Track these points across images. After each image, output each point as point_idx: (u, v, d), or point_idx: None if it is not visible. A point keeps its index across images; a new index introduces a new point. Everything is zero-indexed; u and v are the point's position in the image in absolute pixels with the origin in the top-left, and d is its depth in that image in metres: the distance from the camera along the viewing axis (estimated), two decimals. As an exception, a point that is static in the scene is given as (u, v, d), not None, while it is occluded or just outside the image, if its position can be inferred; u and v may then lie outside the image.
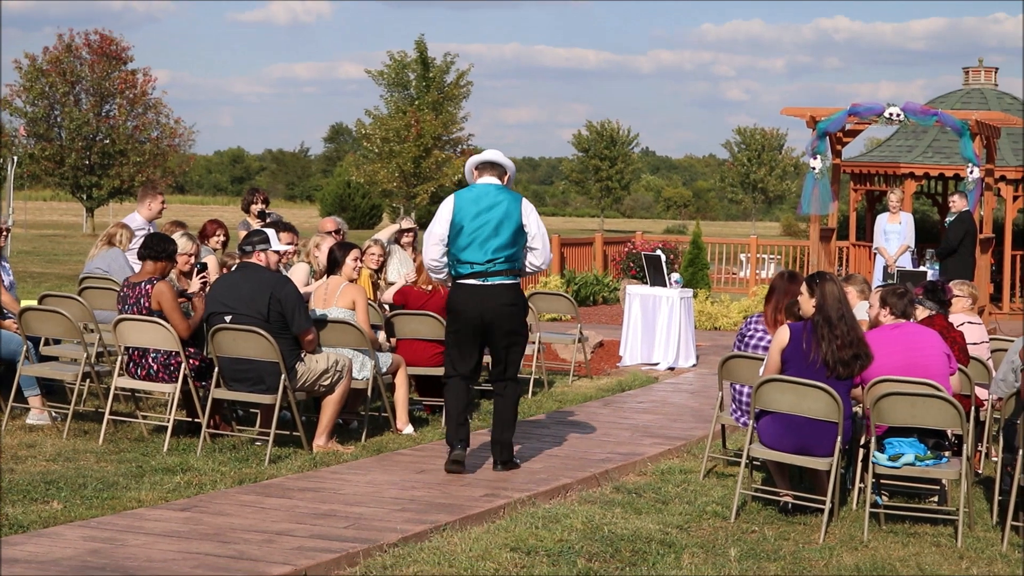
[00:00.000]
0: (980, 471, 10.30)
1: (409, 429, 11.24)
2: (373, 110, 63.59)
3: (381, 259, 13.08)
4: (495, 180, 9.89)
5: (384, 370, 11.17)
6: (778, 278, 10.28)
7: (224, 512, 8.18)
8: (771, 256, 30.11)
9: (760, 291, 22.05)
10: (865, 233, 24.72)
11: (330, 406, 10.40)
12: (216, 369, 10.29)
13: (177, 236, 11.72)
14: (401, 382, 11.33)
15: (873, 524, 8.67)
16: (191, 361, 10.42)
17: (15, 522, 7.77)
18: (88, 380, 11.09)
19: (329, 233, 12.99)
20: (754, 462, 9.51)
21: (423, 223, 54.14)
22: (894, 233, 20.08)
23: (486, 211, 9.66)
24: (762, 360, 9.39)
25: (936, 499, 9.48)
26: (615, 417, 12.50)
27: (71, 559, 7.02)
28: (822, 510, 8.57)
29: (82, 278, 12.73)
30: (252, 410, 11.37)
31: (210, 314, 10.30)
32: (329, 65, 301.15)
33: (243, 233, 13.91)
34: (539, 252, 9.87)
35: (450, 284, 9.97)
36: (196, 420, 10.58)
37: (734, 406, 10.38)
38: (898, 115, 19.59)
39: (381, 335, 11.69)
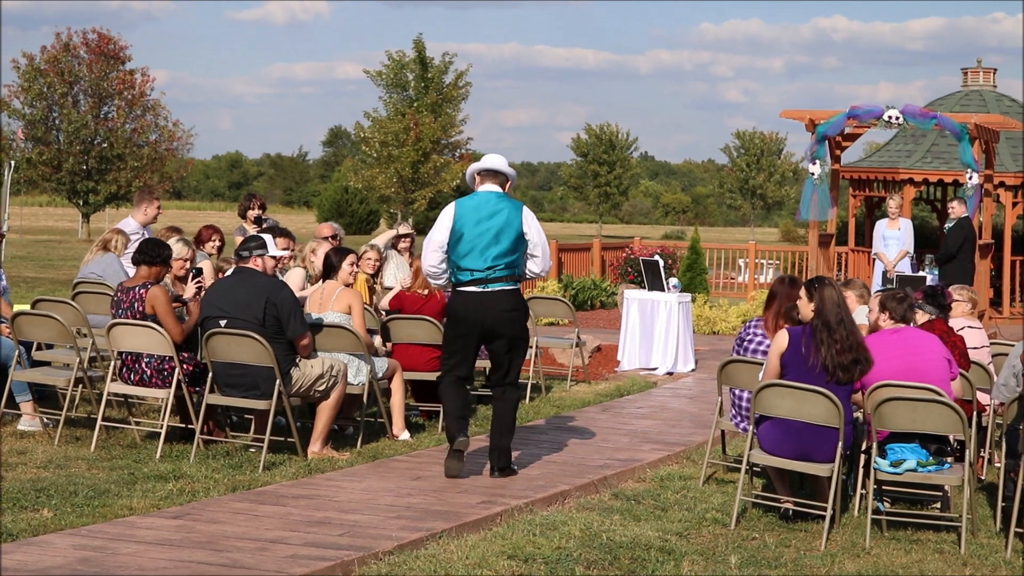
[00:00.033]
0: (983, 477, 10.25)
1: (405, 435, 11.16)
2: (372, 112, 63.72)
3: (377, 264, 13.02)
4: (496, 188, 9.87)
5: (380, 375, 11.10)
6: (779, 283, 10.22)
7: (217, 520, 8.12)
8: (770, 261, 30.07)
9: (759, 296, 21.99)
10: (864, 239, 24.68)
11: (325, 412, 10.33)
12: (210, 374, 10.21)
13: (173, 241, 11.66)
14: (397, 387, 11.26)
15: (875, 531, 8.62)
16: (185, 366, 10.34)
17: (4, 530, 7.69)
18: (80, 385, 11.02)
19: (326, 239, 12.93)
20: (754, 468, 9.46)
21: (421, 229, 54.31)
22: (893, 239, 20.02)
23: (487, 219, 9.64)
24: (761, 365, 9.33)
25: (938, 505, 9.42)
26: (613, 423, 12.42)
27: (61, 568, 6.96)
28: (823, 517, 8.52)
29: (76, 283, 12.68)
30: (246, 416, 11.31)
31: (205, 318, 10.22)
32: (328, 65, 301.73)
33: (239, 239, 13.88)
34: (539, 260, 9.88)
35: (449, 291, 9.91)
36: (190, 426, 10.50)
37: (733, 411, 10.32)
38: (897, 118, 19.53)
39: (377, 340, 11.64)
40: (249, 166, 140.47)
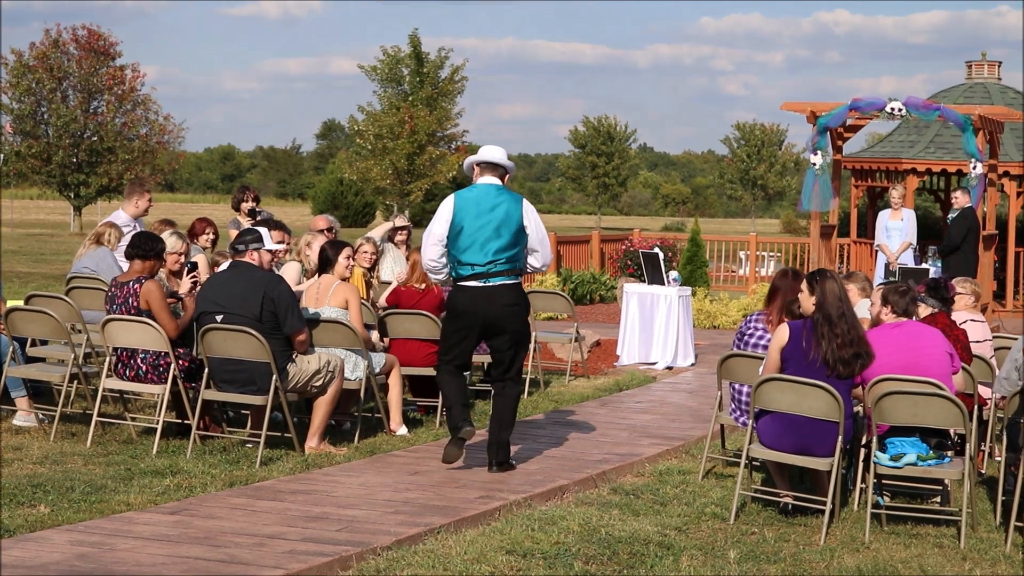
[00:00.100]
0: (983, 471, 10.23)
1: (403, 430, 11.13)
2: (366, 106, 63.67)
3: (374, 257, 12.97)
4: (496, 180, 9.82)
5: (378, 370, 11.06)
6: (781, 277, 10.17)
7: (214, 515, 8.09)
8: (771, 254, 30.02)
9: (760, 289, 21.95)
10: (866, 230, 24.62)
11: (322, 407, 10.29)
12: (206, 370, 10.16)
13: (166, 235, 11.60)
14: (395, 382, 11.22)
15: (875, 525, 8.59)
16: (180, 362, 10.30)
17: (2, 527, 7.65)
18: (76, 381, 11.00)
19: (321, 231, 12.89)
20: (754, 462, 9.43)
21: (417, 221, 54.14)
22: (896, 230, 19.94)
23: (487, 212, 9.60)
24: (762, 359, 9.29)
25: (938, 500, 9.40)
26: (612, 417, 12.39)
27: (58, 564, 6.93)
28: (823, 511, 8.49)
29: (69, 278, 12.63)
30: (243, 411, 11.26)
31: (201, 313, 10.18)
32: (321, 60, 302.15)
33: (233, 232, 13.82)
34: (539, 254, 9.85)
35: (449, 285, 9.87)
36: (186, 422, 10.47)
37: (733, 405, 10.28)
38: (900, 110, 19.47)
39: (374, 335, 11.59)
40: (242, 158, 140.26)
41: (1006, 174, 23.67)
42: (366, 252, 12.79)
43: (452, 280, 9.81)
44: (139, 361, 10.37)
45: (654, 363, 16.20)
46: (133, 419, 10.88)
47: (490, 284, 9.62)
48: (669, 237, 27.99)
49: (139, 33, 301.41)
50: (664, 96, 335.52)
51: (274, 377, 9.89)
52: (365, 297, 12.14)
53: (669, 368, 16.07)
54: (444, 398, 10.00)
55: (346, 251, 11.18)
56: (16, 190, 69.60)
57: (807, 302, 8.81)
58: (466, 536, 7.89)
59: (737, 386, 10.16)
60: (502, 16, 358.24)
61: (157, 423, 10.24)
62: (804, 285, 8.90)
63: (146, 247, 10.56)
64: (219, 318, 10.04)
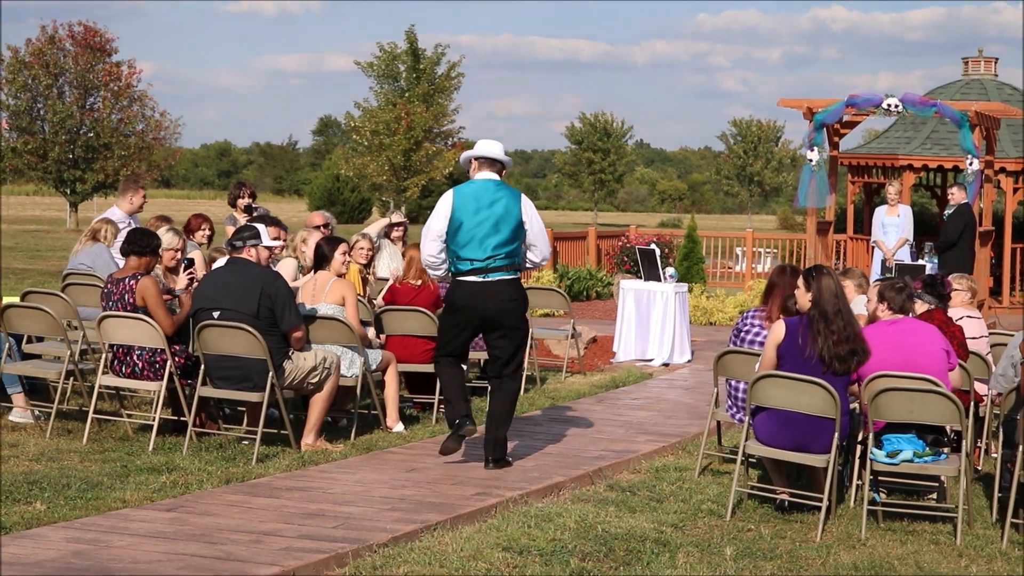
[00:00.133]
0: (979, 467, 10.23)
1: (399, 427, 11.12)
2: (363, 102, 63.67)
3: (370, 254, 12.95)
4: (494, 176, 9.81)
5: (374, 367, 11.05)
6: (779, 273, 10.16)
7: (211, 512, 8.08)
8: (767, 250, 30.01)
9: (756, 285, 21.93)
10: (863, 226, 24.61)
11: (318, 404, 10.28)
12: (202, 367, 10.15)
13: (162, 231, 11.58)
14: (391, 379, 11.21)
15: (871, 522, 8.60)
16: (177, 358, 10.29)
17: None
18: (72, 378, 10.97)
19: (317, 227, 12.87)
20: (750, 459, 9.43)
21: (413, 217, 54.04)
22: (892, 226, 19.94)
23: (486, 208, 9.60)
24: (758, 355, 9.28)
25: (935, 496, 9.40)
26: (609, 414, 12.38)
27: (54, 561, 6.92)
28: (819, 508, 8.49)
29: (66, 274, 12.61)
30: (239, 408, 11.25)
31: (198, 310, 10.16)
32: (317, 57, 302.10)
33: (229, 228, 13.82)
34: (538, 249, 9.86)
35: (447, 281, 9.87)
36: (182, 419, 10.46)
37: (730, 402, 10.27)
38: (896, 106, 19.47)
39: (371, 331, 11.58)
40: (238, 154, 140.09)
41: (1002, 170, 23.67)
42: (362, 248, 12.77)
43: (451, 275, 9.80)
44: (135, 358, 10.36)
45: (651, 360, 16.19)
46: (129, 416, 10.87)
47: (489, 279, 9.61)
48: (666, 233, 27.95)
49: (135, 29, 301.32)
50: (661, 92, 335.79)
51: (270, 374, 9.88)
52: (361, 293, 12.13)
53: (665, 365, 16.07)
54: (443, 390, 10.01)
55: (342, 247, 11.17)
56: (12, 186, 69.60)
57: (803, 298, 8.81)
58: (462, 533, 7.88)
59: (734, 382, 10.15)
60: (499, 12, 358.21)
61: (153, 420, 10.23)
62: (800, 281, 8.90)
63: (142, 243, 10.54)
64: (216, 314, 10.02)
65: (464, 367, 10.22)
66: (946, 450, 8.73)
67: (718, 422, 10.60)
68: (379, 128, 60.54)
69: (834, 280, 8.78)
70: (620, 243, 26.16)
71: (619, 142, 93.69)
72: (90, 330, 10.99)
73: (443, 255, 9.73)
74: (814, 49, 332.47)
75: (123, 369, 10.44)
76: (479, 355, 11.90)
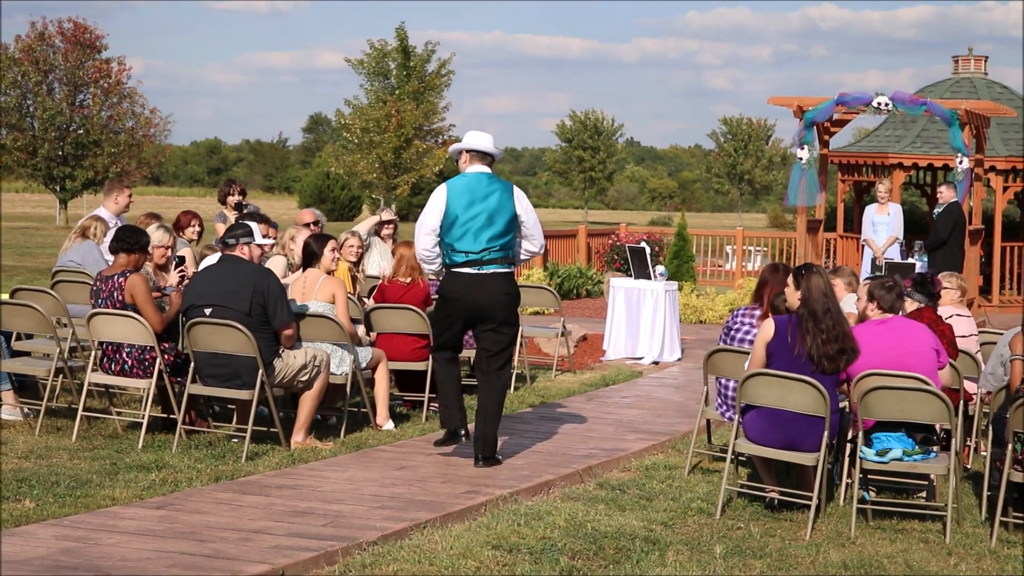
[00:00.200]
0: (969, 466, 10.23)
1: (389, 425, 11.11)
2: (353, 100, 63.58)
3: (360, 251, 12.95)
4: (485, 168, 9.84)
5: (364, 365, 11.04)
6: (771, 272, 10.16)
7: (200, 510, 8.07)
8: (757, 248, 30.03)
9: (746, 284, 21.95)
10: (853, 224, 24.63)
11: (308, 402, 10.27)
12: (192, 364, 10.13)
13: (152, 228, 11.55)
14: (381, 377, 11.20)
15: (860, 520, 8.60)
16: (166, 356, 10.27)
17: (-6, 521, 7.64)
18: (61, 376, 10.95)
19: (307, 225, 12.85)
20: (740, 457, 9.42)
21: (403, 215, 53.84)
22: (882, 224, 19.96)
23: (480, 201, 9.62)
24: (748, 354, 9.28)
25: (924, 495, 9.40)
26: (599, 412, 12.38)
27: (43, 559, 6.91)
28: (808, 506, 8.49)
29: (55, 271, 12.57)
30: (229, 406, 11.23)
31: (190, 306, 10.14)
32: (308, 54, 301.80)
33: (220, 225, 13.78)
34: (536, 240, 9.92)
35: (442, 274, 9.87)
36: (172, 416, 10.44)
37: (719, 400, 10.28)
38: (886, 104, 19.48)
39: (361, 329, 11.56)
40: (228, 152, 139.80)
41: (992, 169, 23.69)
42: (352, 246, 12.76)
43: (445, 268, 9.80)
44: (125, 355, 10.34)
45: (640, 358, 16.19)
46: (119, 413, 10.85)
47: (483, 272, 9.64)
48: (656, 231, 27.96)
49: (126, 26, 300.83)
50: (651, 90, 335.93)
51: (260, 372, 9.87)
52: (351, 291, 12.11)
53: (655, 363, 16.06)
54: (439, 390, 10.03)
55: (330, 244, 11.15)
56: (1, 183, 69.31)
57: (792, 297, 8.81)
58: (452, 531, 7.88)
59: (723, 381, 10.16)
60: (489, 10, 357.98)
61: (143, 418, 10.21)
62: (790, 280, 8.90)
63: (131, 240, 10.51)
64: (208, 311, 10.01)
65: (459, 365, 10.22)
66: (935, 448, 8.74)
67: (708, 420, 10.61)
68: (369, 125, 60.46)
69: (823, 279, 8.78)
70: (610, 241, 26.16)
71: (609, 140, 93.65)
72: (79, 327, 10.97)
73: (437, 249, 9.74)
74: (803, 47, 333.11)
75: (112, 367, 10.42)
76: (469, 353, 11.89)
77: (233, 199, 14.57)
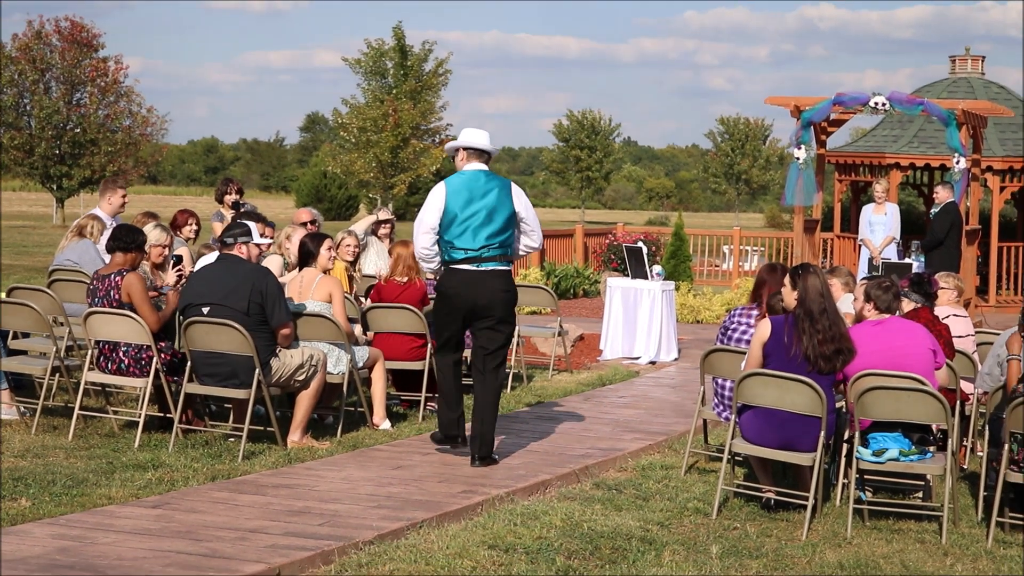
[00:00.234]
0: (965, 466, 10.24)
1: (386, 424, 11.10)
2: (350, 99, 63.56)
3: (356, 251, 12.94)
4: (482, 166, 9.87)
5: (361, 364, 11.03)
6: (768, 271, 10.15)
7: (196, 509, 8.06)
8: (754, 248, 30.03)
9: (743, 284, 21.96)
10: (850, 224, 24.64)
11: (305, 401, 10.26)
12: (189, 363, 10.13)
13: (149, 227, 11.54)
14: (378, 376, 11.19)
15: (857, 520, 8.60)
16: (163, 355, 10.26)
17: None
18: (57, 374, 10.94)
19: (304, 224, 12.84)
20: (736, 457, 9.42)
21: (400, 214, 53.72)
22: (879, 224, 19.96)
23: (479, 198, 9.64)
24: (745, 354, 9.28)
25: (920, 495, 9.41)
26: (595, 412, 12.38)
27: (39, 557, 6.90)
28: (805, 506, 8.49)
29: (52, 270, 12.56)
30: (225, 405, 11.23)
31: (187, 305, 10.13)
32: (305, 53, 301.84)
33: (217, 224, 13.77)
34: (534, 234, 9.96)
35: (440, 272, 9.88)
36: (168, 415, 10.43)
37: (716, 400, 10.27)
38: (883, 104, 19.49)
39: (358, 328, 11.56)
40: (225, 151, 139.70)
41: (989, 169, 23.69)
42: (348, 246, 12.76)
43: (443, 265, 9.80)
44: (121, 354, 10.33)
45: (637, 358, 16.19)
46: (115, 412, 10.85)
47: (482, 268, 9.66)
48: (653, 231, 27.98)
49: (123, 25, 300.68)
50: (648, 90, 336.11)
51: (257, 371, 9.86)
52: (348, 291, 12.11)
53: (652, 363, 16.07)
54: (441, 395, 10.02)
55: (327, 243, 11.15)
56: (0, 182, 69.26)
57: (789, 297, 8.81)
58: (448, 531, 7.88)
59: (720, 381, 10.15)
60: (486, 9, 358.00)
61: (139, 416, 10.21)
62: (787, 280, 8.90)
63: (127, 239, 10.51)
64: (206, 310, 10.00)
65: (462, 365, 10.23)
66: (932, 449, 8.74)
67: (704, 420, 10.61)
68: (366, 125, 60.40)
69: (820, 279, 8.78)
70: (607, 241, 26.16)
71: (607, 139, 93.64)
72: (76, 326, 10.96)
73: (436, 248, 9.75)
74: (801, 47, 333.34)
75: (109, 365, 10.41)
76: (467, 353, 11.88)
77: (230, 198, 14.55)
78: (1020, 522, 8.50)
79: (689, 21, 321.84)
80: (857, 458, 8.62)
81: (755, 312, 10.15)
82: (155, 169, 80.00)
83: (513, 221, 9.75)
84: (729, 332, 10.26)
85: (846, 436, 8.94)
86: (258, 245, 10.37)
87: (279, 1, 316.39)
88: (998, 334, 10.56)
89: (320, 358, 10.34)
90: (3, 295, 11.73)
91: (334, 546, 7.30)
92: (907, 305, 9.91)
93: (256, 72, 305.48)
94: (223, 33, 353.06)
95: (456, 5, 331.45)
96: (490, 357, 9.79)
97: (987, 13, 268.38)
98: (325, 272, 11.09)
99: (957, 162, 19.51)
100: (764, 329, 8.82)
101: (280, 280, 11.33)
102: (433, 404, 11.95)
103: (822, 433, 8.50)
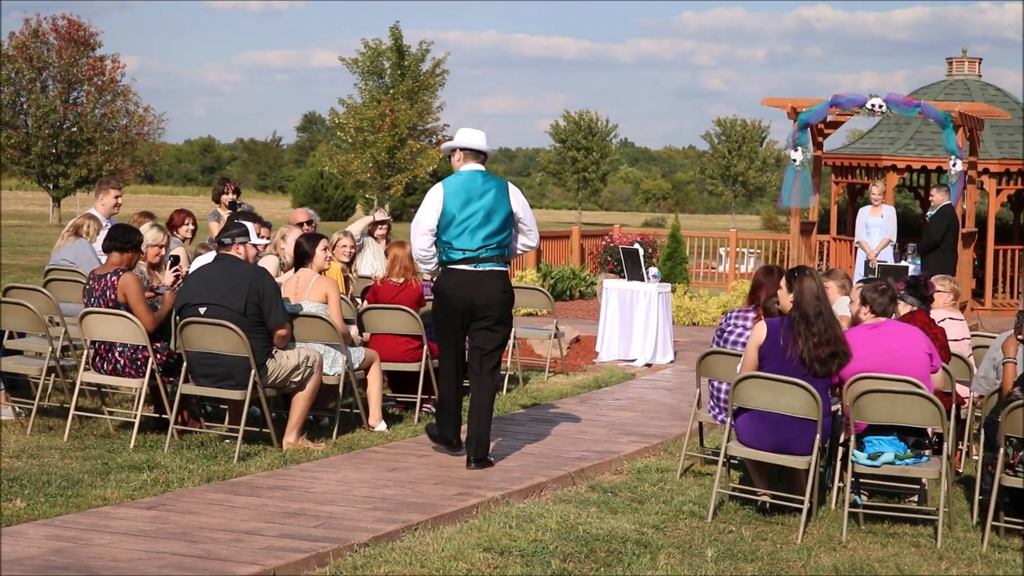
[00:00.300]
0: (960, 470, 10.24)
1: (382, 426, 11.10)
2: (347, 99, 63.51)
3: (352, 251, 12.93)
4: (479, 166, 9.89)
5: (357, 365, 11.02)
6: (765, 274, 10.13)
7: (192, 511, 8.06)
8: (751, 250, 30.04)
9: (739, 286, 21.96)
10: (846, 227, 24.66)
11: (300, 402, 10.25)
12: (184, 364, 10.12)
13: (146, 227, 11.53)
14: (374, 378, 11.18)
15: (852, 524, 8.60)
16: (159, 356, 10.25)
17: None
18: (53, 375, 10.93)
19: (300, 225, 12.83)
20: (732, 461, 9.42)
21: (397, 215, 53.67)
22: (876, 227, 19.95)
23: (476, 199, 9.66)
24: (741, 356, 9.27)
25: (916, 499, 9.41)
26: (591, 414, 12.37)
27: (34, 558, 6.89)
28: (800, 510, 8.50)
29: (48, 270, 12.55)
30: (221, 406, 11.21)
31: (184, 305, 10.12)
32: (302, 53, 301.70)
33: (213, 224, 13.76)
34: (531, 233, 10.00)
35: (438, 273, 9.88)
36: (164, 416, 10.42)
37: (712, 403, 10.27)
38: (880, 106, 19.49)
39: (354, 329, 11.55)
40: (222, 151, 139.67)
41: (986, 171, 23.72)
42: (344, 246, 12.75)
43: (441, 266, 9.80)
44: (117, 355, 10.32)
45: (633, 360, 16.19)
46: (111, 413, 10.84)
47: (480, 269, 9.67)
48: (649, 233, 27.95)
49: (120, 25, 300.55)
50: (645, 91, 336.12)
51: (252, 372, 9.85)
52: (344, 292, 12.10)
53: (648, 365, 16.07)
54: (440, 400, 10.01)
55: (323, 243, 11.14)
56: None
57: (785, 299, 8.81)
58: (444, 533, 7.87)
59: (716, 383, 10.15)
60: (484, 10, 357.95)
61: (135, 417, 10.20)
62: (783, 282, 8.90)
63: (123, 239, 10.50)
64: (203, 310, 9.99)
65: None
66: (927, 452, 8.74)
67: (700, 423, 10.60)
68: (363, 125, 60.36)
69: (816, 282, 8.77)
70: (604, 242, 26.15)
71: (603, 141, 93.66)
72: (72, 326, 10.95)
73: (434, 249, 9.76)
74: (798, 48, 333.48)
75: (105, 366, 10.40)
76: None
77: (227, 198, 14.54)
78: (1015, 526, 8.51)
79: (687, 22, 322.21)
80: (852, 461, 8.62)
81: (752, 314, 10.14)
82: (152, 168, 79.95)
83: (511, 222, 9.77)
84: (725, 334, 10.25)
85: (842, 439, 8.94)
86: (255, 245, 10.37)
87: (276, 1, 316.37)
88: (994, 337, 10.55)
89: (316, 359, 10.34)
90: (-1, 295, 11.72)
91: (329, 548, 7.30)
92: (903, 308, 9.91)
93: (253, 72, 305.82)
94: (221, 33, 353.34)
95: (454, 5, 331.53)
96: (487, 358, 9.79)
97: (984, 15, 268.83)
98: (321, 273, 11.08)
99: (954, 164, 19.51)
100: (760, 332, 8.82)
101: (276, 279, 11.33)
102: (428, 406, 11.96)
103: (818, 436, 8.50)
